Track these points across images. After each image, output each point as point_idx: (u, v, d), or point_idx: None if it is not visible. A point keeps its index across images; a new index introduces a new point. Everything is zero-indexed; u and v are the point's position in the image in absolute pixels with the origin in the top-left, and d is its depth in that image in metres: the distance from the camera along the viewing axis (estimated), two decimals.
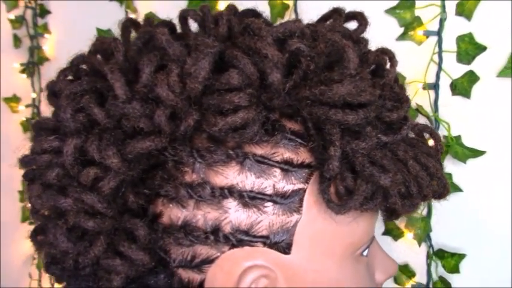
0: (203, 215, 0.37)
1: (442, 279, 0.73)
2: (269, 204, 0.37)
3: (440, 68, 0.72)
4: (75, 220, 0.36)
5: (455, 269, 0.71)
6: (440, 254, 0.72)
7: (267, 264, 0.38)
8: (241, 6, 0.44)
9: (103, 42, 0.42)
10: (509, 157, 0.67)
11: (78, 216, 0.36)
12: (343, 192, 0.37)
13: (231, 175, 0.37)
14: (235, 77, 0.34)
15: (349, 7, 0.80)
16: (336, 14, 0.42)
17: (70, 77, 0.41)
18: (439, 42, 0.72)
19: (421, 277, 0.77)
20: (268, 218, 0.37)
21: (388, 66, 0.40)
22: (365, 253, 0.42)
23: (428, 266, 0.75)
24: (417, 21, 0.74)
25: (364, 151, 0.35)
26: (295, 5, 0.85)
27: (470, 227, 0.71)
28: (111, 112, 0.36)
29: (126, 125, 0.37)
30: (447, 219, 0.73)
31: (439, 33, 0.72)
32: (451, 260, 0.71)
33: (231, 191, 0.37)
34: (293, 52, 0.35)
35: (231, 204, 0.37)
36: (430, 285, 0.75)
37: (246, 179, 0.37)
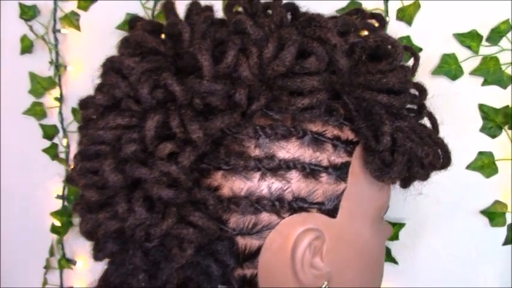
0: (267, 186, 0.41)
1: None
2: (324, 174, 0.43)
3: None
4: (155, 191, 0.38)
5: (395, 237, 0.84)
6: None
7: (318, 227, 0.43)
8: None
9: (155, 24, 0.44)
10: None
11: (160, 188, 0.38)
12: (378, 164, 0.44)
13: (292, 149, 0.42)
14: (315, 63, 0.39)
15: (302, 5, 0.88)
16: (360, 13, 0.49)
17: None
18: None
19: None
20: (322, 187, 0.43)
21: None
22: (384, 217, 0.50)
23: None
24: None
25: (406, 129, 0.43)
26: None
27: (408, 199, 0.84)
28: (194, 89, 0.38)
29: (197, 102, 0.39)
30: None
31: None
32: (393, 229, 0.83)
33: (294, 164, 0.42)
34: (352, 44, 0.41)
35: (294, 175, 0.42)
36: None
37: (305, 153, 0.42)
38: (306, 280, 0.43)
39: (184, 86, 0.39)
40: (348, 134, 0.44)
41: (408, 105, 0.47)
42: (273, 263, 0.43)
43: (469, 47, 0.79)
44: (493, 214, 0.80)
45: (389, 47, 0.43)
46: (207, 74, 0.38)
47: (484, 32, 0.78)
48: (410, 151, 0.43)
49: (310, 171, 0.42)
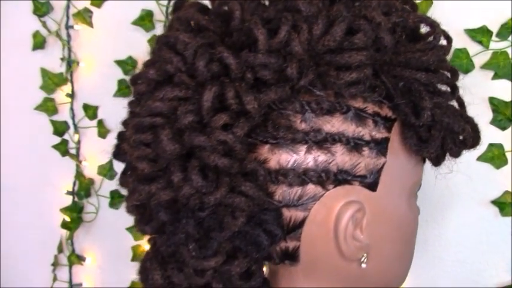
0: (313, 158, 0.43)
1: None
2: (366, 148, 0.44)
3: None
4: (212, 159, 0.39)
5: None
6: None
7: (360, 200, 0.45)
8: None
9: (201, 5, 0.46)
10: None
11: (216, 156, 0.39)
12: (416, 140, 0.46)
13: (336, 124, 0.44)
14: (363, 39, 0.41)
15: None
16: None
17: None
18: None
19: None
20: (364, 161, 0.45)
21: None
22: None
23: None
24: None
25: (443, 105, 0.45)
26: None
27: None
28: (249, 62, 0.40)
29: (248, 77, 0.41)
30: None
31: None
32: None
33: (340, 137, 0.43)
34: (394, 23, 0.44)
35: (338, 148, 0.43)
36: None
37: (349, 128, 0.44)
38: (348, 252, 0.45)
39: (239, 60, 0.40)
40: (386, 111, 0.46)
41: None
42: (317, 234, 0.45)
43: (479, 42, 0.82)
44: (503, 204, 0.83)
45: (429, 27, 0.45)
46: (262, 48, 0.40)
47: (494, 28, 0.81)
48: (447, 126, 0.45)
49: (354, 144, 0.44)
